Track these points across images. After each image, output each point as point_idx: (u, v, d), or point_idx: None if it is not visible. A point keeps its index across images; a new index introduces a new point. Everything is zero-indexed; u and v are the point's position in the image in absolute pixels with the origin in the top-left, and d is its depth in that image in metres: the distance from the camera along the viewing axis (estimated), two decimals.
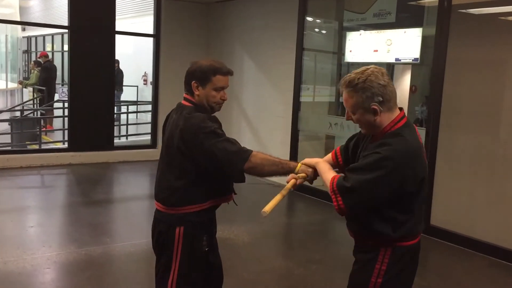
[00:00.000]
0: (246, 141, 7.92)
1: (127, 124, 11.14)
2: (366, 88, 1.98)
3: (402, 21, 6.01)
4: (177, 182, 2.38)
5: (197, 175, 2.35)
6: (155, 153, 8.70)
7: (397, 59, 6.12)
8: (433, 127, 5.20)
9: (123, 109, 12.12)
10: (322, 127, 6.85)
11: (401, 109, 2.09)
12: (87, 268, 4.08)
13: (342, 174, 2.07)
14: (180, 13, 8.65)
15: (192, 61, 2.47)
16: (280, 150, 7.08)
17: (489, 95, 4.98)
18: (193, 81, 2.38)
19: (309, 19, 7.08)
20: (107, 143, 8.29)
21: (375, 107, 2.00)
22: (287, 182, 2.30)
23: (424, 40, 5.64)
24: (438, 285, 3.99)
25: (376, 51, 6.23)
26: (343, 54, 6.68)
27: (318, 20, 7.55)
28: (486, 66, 5.00)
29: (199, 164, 2.30)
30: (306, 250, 4.73)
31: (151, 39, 8.86)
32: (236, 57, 8.28)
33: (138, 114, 12.86)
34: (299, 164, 2.28)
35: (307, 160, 2.28)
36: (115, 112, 10.13)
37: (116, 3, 8.15)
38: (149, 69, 12.84)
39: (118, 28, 8.25)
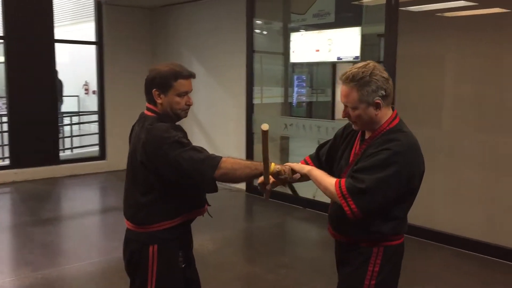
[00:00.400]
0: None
1: (71, 136, 10.67)
2: (372, 82, 1.96)
3: (341, 21, 6.19)
4: (143, 198, 2.24)
5: (164, 190, 2.22)
6: (104, 165, 8.40)
7: (338, 58, 6.25)
8: None
9: (66, 120, 11.61)
10: (277, 128, 6.82)
11: (393, 107, 2.09)
12: None
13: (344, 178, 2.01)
14: (122, 19, 8.38)
15: (150, 67, 2.33)
16: (235, 154, 6.95)
17: (437, 89, 5.13)
18: (154, 89, 2.24)
19: (258, 21, 7.05)
20: (52, 157, 7.90)
21: (379, 101, 1.98)
22: (258, 184, 2.21)
23: (364, 38, 5.80)
24: (401, 279, 4.03)
25: (318, 50, 6.34)
26: (290, 55, 6.73)
27: (266, 22, 7.53)
28: (432, 60, 5.14)
29: (165, 178, 2.17)
30: (272, 255, 4.67)
31: (89, 47, 8.53)
32: (184, 62, 8.07)
33: (82, 125, 12.39)
34: (273, 164, 2.17)
35: (294, 165, 2.19)
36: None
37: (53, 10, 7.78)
38: (89, 77, 12.45)
39: (55, 36, 7.86)
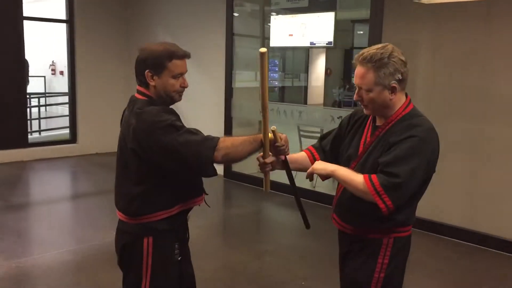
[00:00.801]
0: None
1: (39, 118, 10.27)
2: (390, 64, 1.88)
3: (315, 6, 6.19)
4: (136, 188, 2.10)
5: (158, 179, 2.09)
6: (75, 149, 8.13)
7: (312, 43, 6.21)
8: None
9: (33, 102, 11.16)
10: (256, 113, 6.71)
11: (406, 93, 2.02)
12: (22, 283, 3.64)
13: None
14: None
15: (141, 47, 2.17)
16: None
17: (425, 76, 5.11)
18: (147, 70, 2.08)
19: (238, 3, 6.87)
20: (20, 140, 7.57)
21: (395, 85, 1.91)
22: (259, 165, 2.10)
23: (337, 24, 5.79)
24: None
25: (292, 35, 6.28)
26: (267, 39, 6.67)
27: (242, 4, 7.35)
28: (418, 47, 5.11)
29: (160, 166, 2.03)
30: (257, 242, 4.60)
31: (56, 25, 8.16)
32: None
33: (49, 107, 11.97)
34: (270, 133, 2.04)
35: (316, 166, 2.03)
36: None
37: None
38: (57, 57, 11.99)
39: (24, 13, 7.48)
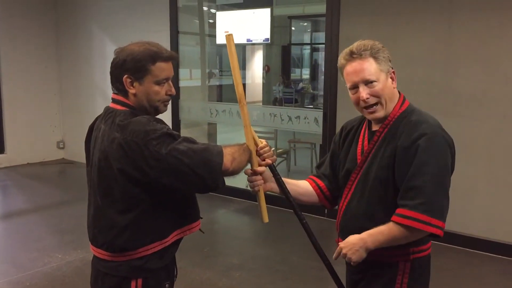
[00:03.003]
0: None
1: None
2: (382, 50, 1.74)
3: (251, 2, 6.11)
4: (123, 217, 1.72)
5: (151, 202, 1.73)
6: (3, 159, 7.40)
7: (248, 40, 6.09)
8: (330, 109, 5.06)
9: None
10: (204, 114, 6.35)
11: None
12: None
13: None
14: None
15: (117, 48, 1.81)
16: None
17: None
18: (125, 76, 1.73)
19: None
20: None
21: (393, 71, 1.78)
22: (249, 183, 1.87)
23: (274, 20, 5.81)
24: None
25: (227, 32, 5.99)
26: (209, 36, 6.48)
27: (186, 1, 6.96)
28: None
29: (157, 184, 1.67)
30: (221, 255, 4.25)
31: None
32: (95, 41, 7.29)
33: None
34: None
35: (348, 246, 1.72)
36: None
37: None
38: None
39: None
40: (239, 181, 1.97)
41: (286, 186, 1.92)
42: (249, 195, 5.33)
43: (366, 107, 1.75)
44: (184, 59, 6.69)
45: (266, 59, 16.48)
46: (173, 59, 1.80)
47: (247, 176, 1.87)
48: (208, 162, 1.63)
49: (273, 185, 1.92)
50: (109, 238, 1.75)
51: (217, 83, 16.93)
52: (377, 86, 1.72)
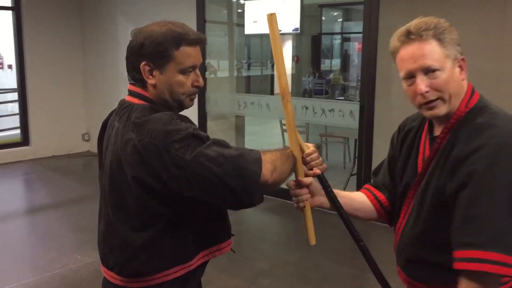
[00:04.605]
0: None
1: None
2: (449, 30, 1.36)
3: None
4: (138, 236, 1.43)
5: (173, 218, 1.44)
6: (28, 152, 7.25)
7: None
8: (368, 101, 4.68)
9: None
10: (232, 107, 6.05)
11: None
12: None
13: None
14: None
15: (134, 29, 1.51)
16: None
17: None
18: (143, 63, 1.44)
19: None
20: None
21: (463, 58, 1.39)
22: (293, 195, 1.54)
23: (304, 9, 5.46)
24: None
25: (256, 22, 5.80)
26: (237, 25, 6.18)
27: None
28: None
29: (177, 199, 1.38)
30: (249, 260, 3.95)
31: (1, 12, 7.24)
32: (120, 31, 7.05)
33: None
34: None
35: None
36: None
37: None
38: (4, 50, 10.93)
39: None
40: None
41: (338, 201, 1.56)
42: (281, 192, 5.02)
43: (425, 103, 1.37)
44: (211, 50, 6.39)
45: (296, 49, 16.06)
46: (201, 42, 1.49)
47: (290, 189, 1.55)
48: (243, 172, 1.32)
49: (322, 199, 1.58)
50: (121, 260, 1.47)
51: (246, 75, 16.69)
52: (441, 77, 1.33)
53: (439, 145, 1.41)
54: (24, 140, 7.34)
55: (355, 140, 5.35)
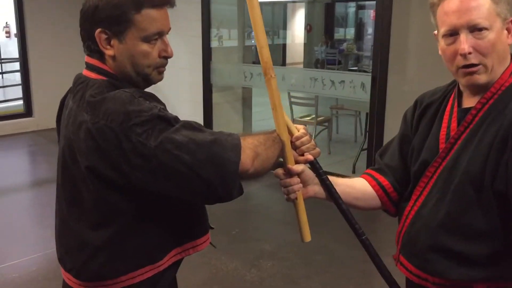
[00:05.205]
0: None
1: None
2: None
3: None
4: (97, 234, 1.23)
5: (136, 213, 1.22)
6: (31, 123, 7.11)
7: None
8: (380, 72, 4.40)
9: None
10: (239, 78, 5.80)
11: None
12: None
13: None
14: None
15: None
16: (190, 110, 5.95)
17: None
18: (98, 30, 1.20)
19: None
20: None
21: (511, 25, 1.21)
22: (285, 187, 1.34)
23: None
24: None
25: None
26: None
27: None
28: None
29: (141, 193, 1.17)
30: (251, 240, 3.77)
31: None
32: None
33: (5, 74, 10.90)
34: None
35: None
36: None
37: None
38: (11, 18, 10.75)
39: None
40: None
41: (335, 190, 1.37)
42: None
43: (465, 66, 1.19)
44: (220, 18, 6.10)
45: (308, 18, 15.60)
46: (169, 3, 1.24)
47: (278, 179, 1.34)
48: (218, 160, 1.11)
49: (316, 189, 1.38)
50: (78, 262, 1.26)
51: (254, 44, 16.29)
52: (488, 37, 1.17)
53: (472, 117, 1.22)
54: (27, 111, 7.19)
55: (366, 114, 5.09)
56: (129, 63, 1.23)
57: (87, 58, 1.28)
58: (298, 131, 1.33)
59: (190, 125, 1.14)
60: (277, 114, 1.29)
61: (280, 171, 1.32)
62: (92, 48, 1.24)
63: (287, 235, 3.89)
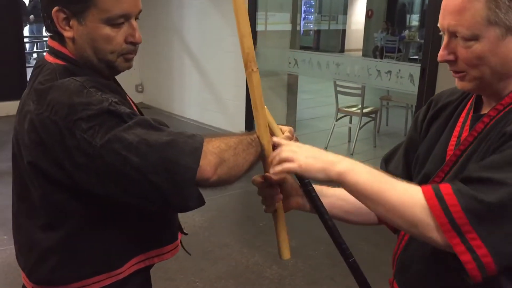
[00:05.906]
0: (192, 84, 6.58)
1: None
2: None
3: None
4: (47, 236, 1.12)
5: (89, 215, 1.10)
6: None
7: None
8: (430, 64, 4.07)
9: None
10: (283, 64, 5.60)
11: None
12: None
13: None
14: None
15: None
16: (234, 93, 5.85)
17: None
18: (56, 8, 1.07)
19: None
20: (18, 91, 6.69)
21: None
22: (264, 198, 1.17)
23: None
24: None
25: None
26: None
27: None
28: None
29: (91, 192, 1.04)
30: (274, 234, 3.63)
31: None
32: None
33: None
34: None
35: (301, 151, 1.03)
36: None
37: None
38: None
39: None
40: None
41: (321, 203, 1.17)
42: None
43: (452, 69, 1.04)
44: (264, 1, 5.91)
45: (370, 2, 14.99)
46: None
47: (257, 188, 1.16)
48: (172, 166, 0.96)
49: (300, 201, 1.21)
50: (29, 263, 1.16)
51: (311, 28, 15.89)
52: (472, 49, 0.97)
53: (484, 125, 1.02)
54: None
55: (414, 107, 4.77)
56: (90, 48, 1.10)
57: (48, 40, 1.17)
58: (283, 133, 1.15)
59: (146, 123, 1.00)
60: (258, 113, 1.12)
61: (258, 178, 1.14)
62: (51, 29, 1.12)
63: (315, 232, 3.69)
